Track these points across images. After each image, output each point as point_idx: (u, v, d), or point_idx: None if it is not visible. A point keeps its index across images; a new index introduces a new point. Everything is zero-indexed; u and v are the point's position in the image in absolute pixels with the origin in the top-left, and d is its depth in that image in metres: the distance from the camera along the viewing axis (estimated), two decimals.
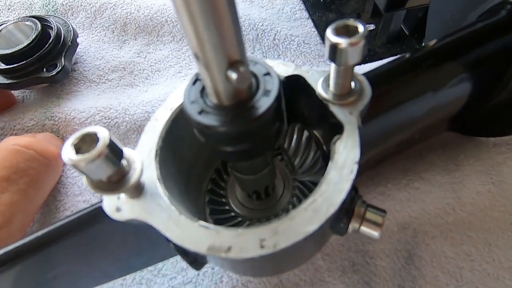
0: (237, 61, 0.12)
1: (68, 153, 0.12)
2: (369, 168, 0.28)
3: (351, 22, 0.15)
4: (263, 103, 0.14)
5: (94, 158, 0.12)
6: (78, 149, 0.13)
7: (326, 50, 0.15)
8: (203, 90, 0.14)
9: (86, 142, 0.13)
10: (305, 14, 0.46)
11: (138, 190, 0.16)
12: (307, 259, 0.26)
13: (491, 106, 0.27)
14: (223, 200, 0.24)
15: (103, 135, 0.13)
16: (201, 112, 0.14)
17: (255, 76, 0.14)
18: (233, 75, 0.12)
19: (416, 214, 0.28)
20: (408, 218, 0.28)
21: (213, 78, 0.12)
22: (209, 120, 0.13)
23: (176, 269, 0.29)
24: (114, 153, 0.13)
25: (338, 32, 0.15)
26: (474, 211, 0.28)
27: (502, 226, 0.27)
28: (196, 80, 0.15)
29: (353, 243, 0.28)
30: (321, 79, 0.18)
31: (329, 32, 0.14)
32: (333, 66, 0.16)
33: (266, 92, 0.14)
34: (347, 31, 0.15)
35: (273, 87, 0.14)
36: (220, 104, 0.14)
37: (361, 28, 0.14)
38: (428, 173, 0.30)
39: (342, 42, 0.14)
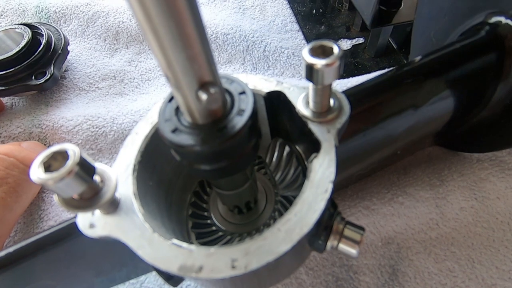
0: (207, 82, 0.12)
1: (36, 172, 0.12)
2: (353, 182, 0.29)
3: (327, 43, 0.15)
4: (237, 122, 0.14)
5: (64, 176, 0.12)
6: (48, 167, 0.13)
7: (303, 70, 0.15)
8: (178, 108, 0.14)
9: (57, 160, 0.13)
10: (296, 26, 0.46)
11: (113, 206, 0.16)
12: (288, 274, 0.26)
13: (473, 123, 0.27)
14: (205, 214, 0.24)
15: (74, 152, 0.12)
16: (174, 130, 0.14)
17: (230, 94, 0.15)
18: (203, 96, 0.12)
19: (400, 229, 0.28)
20: (392, 233, 0.28)
21: (185, 98, 0.12)
22: (182, 139, 0.13)
23: (159, 283, 0.28)
24: (85, 170, 0.13)
25: (315, 53, 0.15)
26: (457, 226, 0.28)
27: (485, 243, 0.27)
28: (172, 97, 0.15)
29: (337, 258, 0.28)
30: (302, 95, 0.19)
31: (305, 53, 0.15)
32: (311, 85, 0.16)
33: (240, 112, 0.14)
34: (323, 51, 0.15)
35: (247, 107, 0.14)
36: (194, 123, 0.14)
37: (336, 50, 0.14)
38: (412, 188, 0.30)
39: (318, 63, 0.14)
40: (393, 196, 0.29)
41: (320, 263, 0.28)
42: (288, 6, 0.49)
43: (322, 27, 0.46)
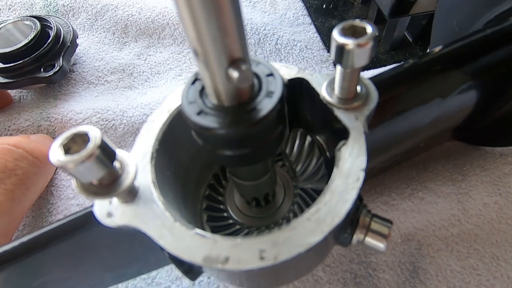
0: (238, 59, 0.11)
1: (56, 154, 0.11)
2: (371, 176, 0.28)
3: (359, 22, 0.14)
4: (266, 105, 0.13)
5: (84, 159, 0.11)
6: (68, 149, 0.12)
7: (332, 52, 0.14)
8: (202, 90, 0.14)
9: (76, 143, 0.12)
10: (308, 19, 0.45)
11: (131, 195, 0.15)
12: (308, 271, 0.25)
13: (496, 117, 0.26)
14: (221, 206, 0.23)
15: (95, 135, 0.12)
16: (199, 112, 0.13)
17: (257, 76, 0.14)
18: (234, 74, 0.11)
19: (420, 226, 0.27)
20: (412, 229, 0.27)
21: (213, 76, 0.12)
22: (208, 121, 0.13)
23: (171, 278, 0.28)
24: (106, 154, 0.12)
25: (345, 33, 0.14)
26: (480, 223, 0.27)
27: (510, 240, 0.26)
28: (195, 79, 0.14)
29: (356, 254, 0.27)
30: (325, 82, 0.18)
31: (335, 33, 0.14)
32: (338, 68, 0.16)
33: (269, 94, 0.13)
34: (354, 32, 0.14)
35: (276, 89, 0.13)
36: (220, 105, 0.13)
37: (369, 29, 0.14)
38: (432, 183, 0.29)
39: (350, 43, 0.13)
40: (413, 191, 0.28)
41: (337, 260, 0.27)
42: None
43: (335, 20, 0.45)
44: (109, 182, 0.14)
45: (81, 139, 0.12)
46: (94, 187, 0.13)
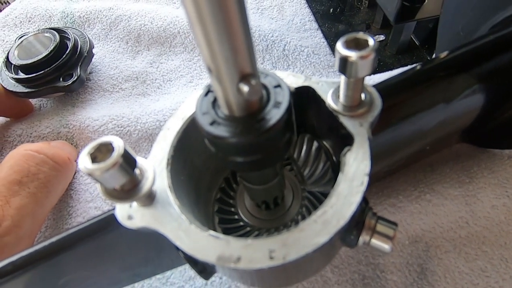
0: (248, 74, 0.12)
1: (84, 162, 0.13)
2: (378, 179, 0.28)
3: (361, 35, 0.15)
4: (274, 115, 0.14)
5: (109, 167, 0.12)
6: (94, 158, 0.13)
7: (336, 63, 0.15)
8: (214, 102, 0.15)
9: (101, 152, 0.13)
10: (315, 25, 0.46)
11: (150, 199, 0.16)
12: (316, 271, 0.26)
13: (503, 119, 0.26)
14: (232, 209, 0.24)
15: (118, 144, 0.13)
16: (212, 123, 0.14)
17: (265, 88, 0.15)
18: (245, 88, 0.12)
19: (428, 228, 0.28)
20: (420, 231, 0.28)
21: (225, 90, 0.13)
22: (220, 131, 0.14)
23: (184, 278, 0.29)
24: (128, 162, 0.13)
25: (348, 45, 0.15)
26: (488, 225, 0.27)
27: None
28: (208, 91, 0.15)
29: (363, 256, 0.27)
30: (331, 90, 0.18)
31: (339, 45, 0.15)
32: (343, 78, 0.16)
33: (277, 104, 0.14)
34: (357, 44, 0.15)
35: (284, 99, 0.14)
36: (231, 116, 0.14)
37: (371, 42, 0.14)
38: (440, 185, 0.29)
39: (352, 55, 0.14)
40: (420, 193, 0.29)
41: (346, 261, 0.27)
42: (306, 5, 0.49)
43: (341, 25, 0.46)
44: (130, 187, 0.15)
45: (106, 148, 0.13)
46: (116, 192, 0.14)
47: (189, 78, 0.44)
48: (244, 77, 0.12)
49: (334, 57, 0.42)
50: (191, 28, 0.11)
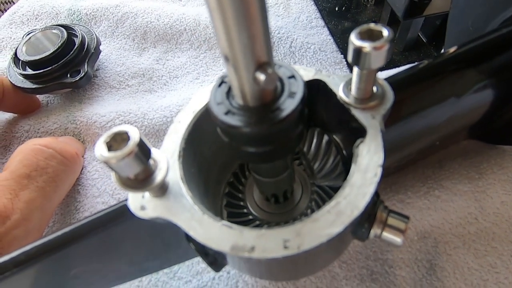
0: (265, 63, 0.12)
1: (100, 150, 0.13)
2: (387, 175, 0.28)
3: (375, 26, 0.15)
4: (288, 105, 0.14)
5: (125, 156, 0.13)
6: (109, 147, 0.13)
7: (349, 54, 0.15)
8: (228, 92, 0.15)
9: (116, 141, 0.13)
10: (321, 22, 0.46)
11: (162, 189, 0.16)
12: (325, 265, 0.26)
13: None
14: (241, 203, 0.24)
15: (134, 134, 0.13)
16: (227, 112, 0.14)
17: (280, 78, 0.15)
18: (261, 77, 0.12)
19: (437, 223, 0.27)
20: (429, 227, 0.27)
21: (241, 79, 0.13)
22: (235, 120, 0.14)
23: (192, 273, 0.29)
24: (143, 152, 0.13)
25: (362, 36, 0.15)
26: (498, 221, 0.27)
27: None
28: (221, 82, 0.15)
29: (372, 251, 0.27)
30: (342, 83, 0.18)
31: (353, 36, 0.15)
32: (356, 70, 0.16)
33: (291, 94, 0.14)
34: (371, 36, 0.15)
35: (298, 89, 0.14)
36: (246, 105, 0.14)
37: (385, 32, 0.14)
38: (448, 181, 0.29)
39: (367, 46, 0.14)
40: (428, 189, 0.29)
41: (354, 257, 0.27)
42: (312, 2, 0.49)
43: (348, 22, 0.46)
44: (144, 177, 0.15)
45: (121, 137, 0.13)
46: (130, 181, 0.15)
47: (195, 75, 0.44)
48: (261, 66, 0.12)
49: (341, 53, 0.42)
50: (210, 15, 0.11)
